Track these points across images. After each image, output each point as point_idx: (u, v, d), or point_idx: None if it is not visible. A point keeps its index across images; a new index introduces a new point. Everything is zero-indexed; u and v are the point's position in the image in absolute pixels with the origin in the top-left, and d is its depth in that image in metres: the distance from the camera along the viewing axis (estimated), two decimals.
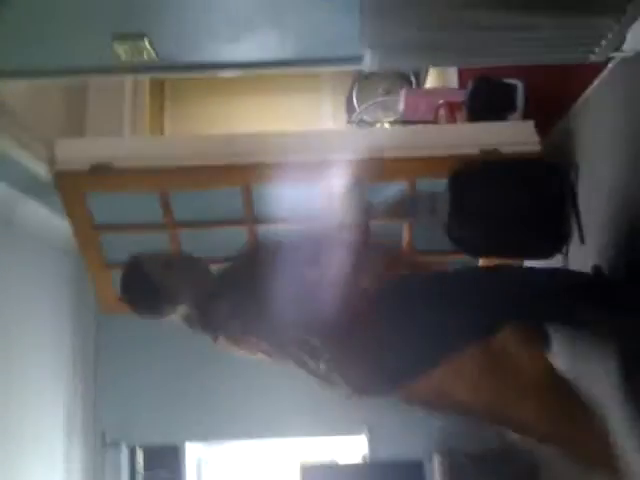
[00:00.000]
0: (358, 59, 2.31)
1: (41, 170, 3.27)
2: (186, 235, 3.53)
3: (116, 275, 3.68)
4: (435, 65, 3.24)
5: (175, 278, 1.96)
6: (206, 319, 2.01)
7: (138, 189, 3.28)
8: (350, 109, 5.05)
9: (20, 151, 3.10)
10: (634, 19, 1.98)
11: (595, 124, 2.78)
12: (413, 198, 2.03)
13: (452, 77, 4.12)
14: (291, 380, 4.56)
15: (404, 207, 2.07)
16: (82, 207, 3.30)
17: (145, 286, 1.95)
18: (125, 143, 3.65)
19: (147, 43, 2.11)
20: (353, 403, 4.34)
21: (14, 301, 3.69)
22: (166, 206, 3.35)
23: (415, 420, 4.54)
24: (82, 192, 3.26)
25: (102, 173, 3.13)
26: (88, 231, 3.42)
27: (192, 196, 3.30)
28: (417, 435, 4.51)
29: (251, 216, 3.34)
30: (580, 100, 2.98)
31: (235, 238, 3.54)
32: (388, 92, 4.86)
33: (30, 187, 3.51)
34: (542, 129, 3.10)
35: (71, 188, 3.23)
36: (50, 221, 3.91)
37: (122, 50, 2.12)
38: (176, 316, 2.02)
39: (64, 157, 3.18)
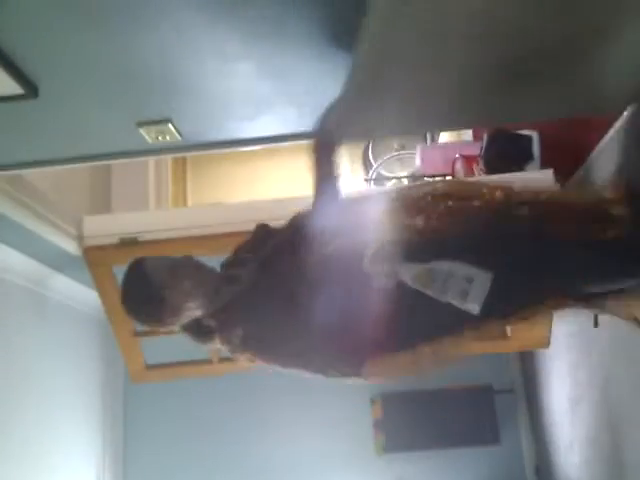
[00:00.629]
0: None
1: (70, 246, 3.35)
2: None
3: (144, 343, 3.76)
4: (449, 130, 3.30)
5: (181, 285, 1.78)
6: (219, 330, 1.87)
7: None
8: (367, 165, 5.13)
9: (49, 229, 3.19)
10: None
11: (614, 172, 2.80)
12: None
13: (466, 130, 4.18)
14: (323, 440, 4.58)
15: None
16: (110, 280, 3.37)
17: (147, 292, 1.77)
18: (150, 216, 3.73)
19: (171, 127, 2.18)
20: (386, 460, 4.31)
21: (48, 373, 3.74)
22: None
23: (448, 475, 4.48)
24: (110, 266, 3.32)
25: (129, 247, 3.21)
26: (116, 303, 3.47)
27: (217, 261, 3.34)
28: None
29: None
30: (597, 148, 3.00)
31: None
32: (403, 147, 4.94)
33: (60, 263, 3.59)
34: (559, 179, 3.11)
35: (99, 262, 3.30)
36: (80, 293, 3.99)
37: (147, 135, 2.20)
38: (178, 325, 1.88)
39: (92, 233, 3.27)
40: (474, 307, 1.64)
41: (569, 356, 3.53)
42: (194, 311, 1.85)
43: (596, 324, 2.70)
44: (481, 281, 1.64)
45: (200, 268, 1.87)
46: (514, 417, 4.57)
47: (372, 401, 4.48)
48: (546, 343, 3.70)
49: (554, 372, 3.87)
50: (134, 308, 1.86)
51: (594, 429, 3.30)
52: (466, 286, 1.64)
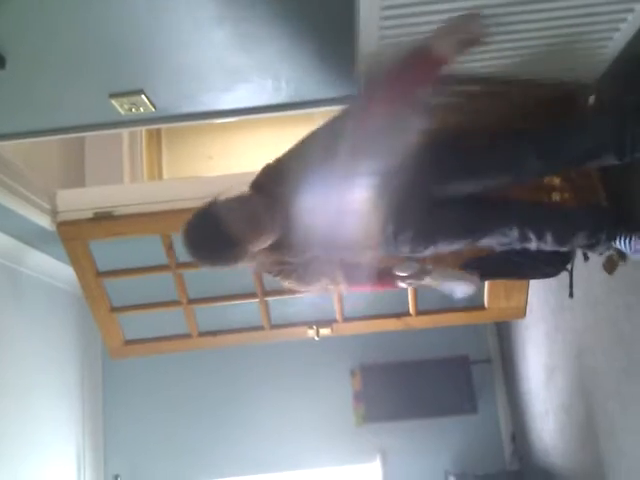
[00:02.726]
0: (352, 97, 2.34)
1: (44, 221, 3.30)
2: (190, 275, 3.56)
3: (122, 319, 3.74)
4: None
5: (258, 240, 1.77)
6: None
7: (140, 233, 3.32)
8: None
9: (22, 204, 3.13)
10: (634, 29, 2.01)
11: None
12: None
13: None
14: (303, 412, 4.63)
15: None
16: (86, 255, 3.34)
17: (226, 253, 1.74)
18: (125, 190, 3.69)
19: (145, 98, 2.14)
20: (366, 430, 4.36)
21: (25, 350, 3.71)
22: (169, 247, 3.39)
23: (427, 444, 4.55)
24: (85, 240, 3.29)
25: (104, 221, 3.18)
26: (92, 278, 3.45)
27: None
28: (429, 459, 4.51)
29: None
30: None
31: (239, 275, 3.57)
32: None
33: (34, 238, 3.53)
34: None
35: (74, 237, 3.27)
36: (56, 269, 3.94)
37: (120, 106, 2.15)
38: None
39: (66, 207, 3.23)
40: None
41: (544, 326, 3.59)
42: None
43: (571, 294, 2.74)
44: None
45: (265, 214, 1.81)
46: (491, 386, 4.65)
47: (352, 373, 4.51)
48: (522, 313, 3.75)
49: (530, 342, 3.93)
50: (212, 263, 1.80)
51: (568, 397, 3.36)
52: None
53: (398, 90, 1.75)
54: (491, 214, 2.21)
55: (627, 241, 2.29)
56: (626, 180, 2.32)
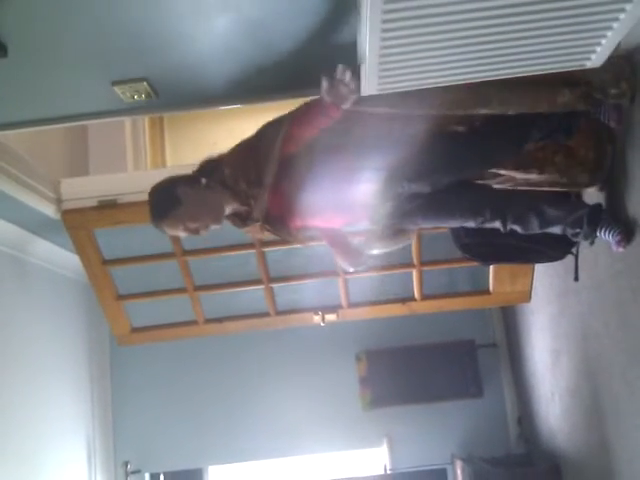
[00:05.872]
0: None
1: (49, 210, 3.31)
2: (195, 262, 3.57)
3: (129, 306, 3.75)
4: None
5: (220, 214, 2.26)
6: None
7: (144, 221, 3.31)
8: None
9: (27, 193, 3.13)
10: (626, 28, 2.00)
11: None
12: None
13: None
14: (309, 398, 4.64)
15: None
16: (91, 243, 3.36)
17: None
18: (128, 178, 3.69)
19: (147, 85, 2.13)
20: (372, 415, 4.37)
21: (34, 338, 3.74)
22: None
23: (433, 428, 4.57)
24: (90, 229, 3.31)
25: (108, 209, 3.19)
26: (98, 266, 3.47)
27: None
28: (436, 443, 4.54)
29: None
30: None
31: (244, 262, 3.58)
32: None
33: (40, 227, 3.54)
34: None
35: (79, 226, 3.28)
36: (62, 257, 3.96)
37: (123, 94, 2.15)
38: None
39: (70, 196, 3.24)
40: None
41: (550, 310, 3.58)
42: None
43: (576, 278, 2.73)
44: None
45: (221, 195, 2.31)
46: (497, 370, 4.66)
47: (357, 358, 4.53)
48: (527, 297, 3.75)
49: (535, 326, 3.93)
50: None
51: (574, 380, 3.37)
52: None
53: (307, 128, 2.29)
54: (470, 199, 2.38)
55: (610, 234, 2.35)
56: (616, 171, 2.35)
